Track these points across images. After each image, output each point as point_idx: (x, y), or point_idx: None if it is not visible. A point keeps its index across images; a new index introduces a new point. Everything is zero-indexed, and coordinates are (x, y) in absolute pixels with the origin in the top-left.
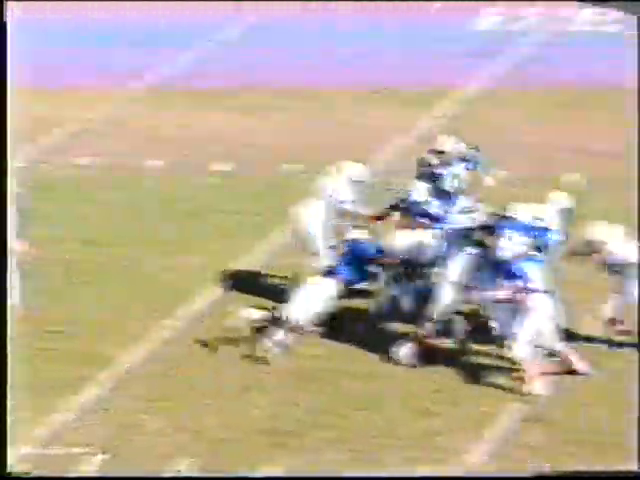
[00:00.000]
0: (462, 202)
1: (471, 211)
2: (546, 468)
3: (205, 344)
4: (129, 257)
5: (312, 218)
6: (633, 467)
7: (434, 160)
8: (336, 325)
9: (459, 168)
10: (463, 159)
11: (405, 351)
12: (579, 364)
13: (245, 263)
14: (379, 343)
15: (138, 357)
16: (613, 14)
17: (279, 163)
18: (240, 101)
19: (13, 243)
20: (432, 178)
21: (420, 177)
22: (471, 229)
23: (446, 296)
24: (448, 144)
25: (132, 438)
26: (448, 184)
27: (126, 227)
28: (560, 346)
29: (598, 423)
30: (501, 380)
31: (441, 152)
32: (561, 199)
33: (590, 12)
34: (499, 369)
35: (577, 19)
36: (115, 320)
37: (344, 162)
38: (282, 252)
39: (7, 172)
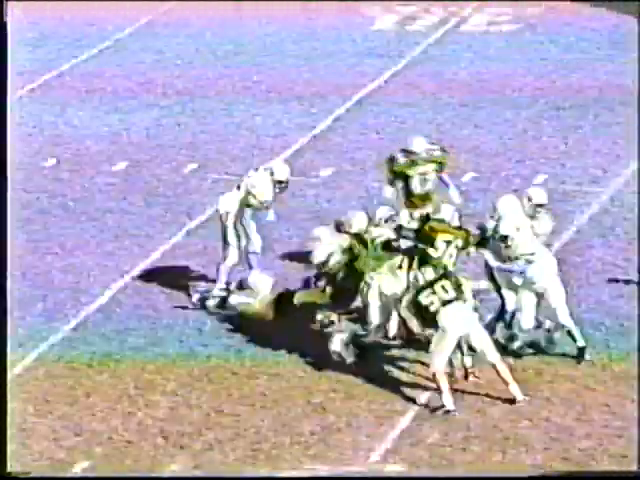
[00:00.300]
0: (382, 211)
1: (391, 219)
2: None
3: (103, 346)
4: (26, 257)
5: (227, 210)
6: (633, 467)
7: (401, 159)
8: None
9: (428, 169)
10: (431, 161)
11: (338, 344)
12: (510, 382)
13: (144, 263)
14: (277, 343)
15: (34, 359)
16: (507, 15)
17: (180, 162)
18: (139, 100)
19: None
20: (403, 179)
21: (391, 180)
22: (394, 240)
23: (373, 306)
24: (418, 145)
25: (29, 441)
26: (418, 186)
27: (22, 228)
28: (494, 357)
29: (496, 420)
30: (401, 380)
31: (410, 152)
32: (538, 194)
33: (485, 12)
34: (402, 369)
35: (471, 19)
36: (12, 321)
37: (272, 161)
38: (181, 253)
39: (7, 172)
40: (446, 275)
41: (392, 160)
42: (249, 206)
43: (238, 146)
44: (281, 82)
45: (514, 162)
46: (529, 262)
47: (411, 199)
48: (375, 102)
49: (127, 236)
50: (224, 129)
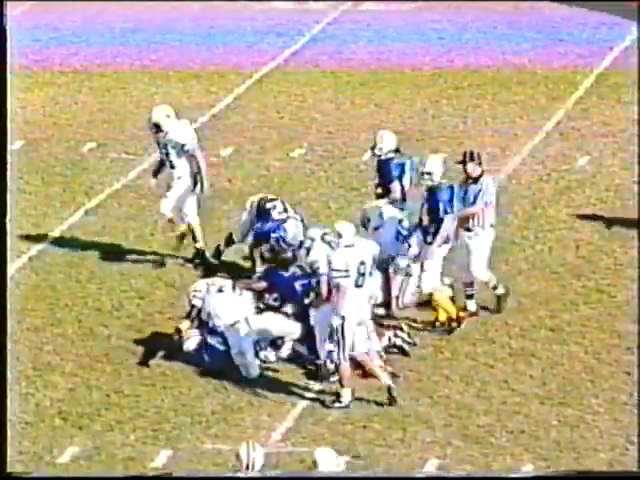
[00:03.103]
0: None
1: None
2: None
3: None
4: None
5: None
6: (633, 467)
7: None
8: None
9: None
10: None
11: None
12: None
13: (42, 243)
14: (177, 322)
15: None
16: None
17: (78, 141)
18: (36, 78)
19: None
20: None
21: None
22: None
23: None
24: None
25: None
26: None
27: None
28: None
29: (396, 400)
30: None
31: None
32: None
33: None
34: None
35: None
36: None
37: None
38: (79, 232)
39: (7, 170)
40: None
41: None
42: None
43: (137, 125)
44: (180, 60)
45: (414, 141)
46: None
47: None
48: (275, 81)
49: (24, 216)
50: (122, 107)
